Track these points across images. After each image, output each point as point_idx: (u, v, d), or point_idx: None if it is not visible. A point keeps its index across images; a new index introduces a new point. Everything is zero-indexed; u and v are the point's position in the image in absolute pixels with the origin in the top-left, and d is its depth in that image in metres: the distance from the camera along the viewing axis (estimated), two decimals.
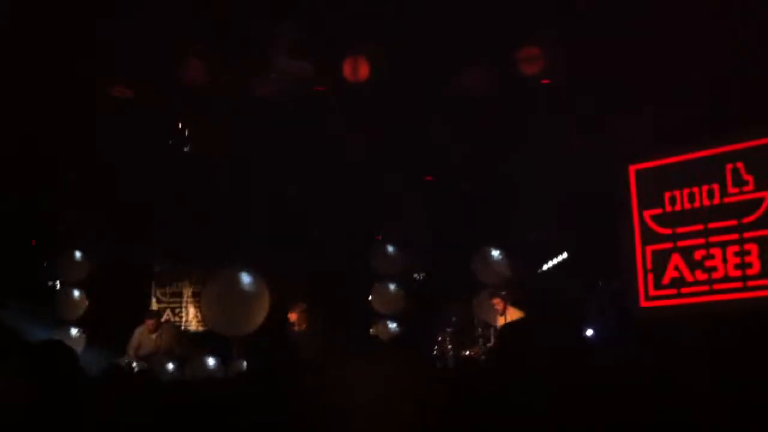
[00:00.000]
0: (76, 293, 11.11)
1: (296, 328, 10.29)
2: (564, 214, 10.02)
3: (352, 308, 11.29)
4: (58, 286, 11.48)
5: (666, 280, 8.35)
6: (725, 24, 7.79)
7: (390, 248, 11.55)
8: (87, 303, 11.06)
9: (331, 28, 9.38)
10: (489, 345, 9.26)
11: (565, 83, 9.24)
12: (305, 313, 10.30)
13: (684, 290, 8.22)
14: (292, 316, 10.31)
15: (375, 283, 11.45)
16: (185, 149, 11.03)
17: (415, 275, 12.36)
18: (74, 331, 10.78)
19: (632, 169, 8.78)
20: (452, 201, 11.30)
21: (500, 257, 11.13)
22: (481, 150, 10.36)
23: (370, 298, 11.40)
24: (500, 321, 9.50)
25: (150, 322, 10.49)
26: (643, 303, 8.51)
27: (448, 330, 9.84)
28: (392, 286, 11.39)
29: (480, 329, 9.75)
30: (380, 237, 11.64)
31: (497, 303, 9.71)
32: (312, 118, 10.29)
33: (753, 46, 7.60)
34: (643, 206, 8.63)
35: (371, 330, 10.95)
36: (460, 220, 11.18)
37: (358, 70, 9.81)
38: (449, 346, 9.72)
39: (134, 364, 9.42)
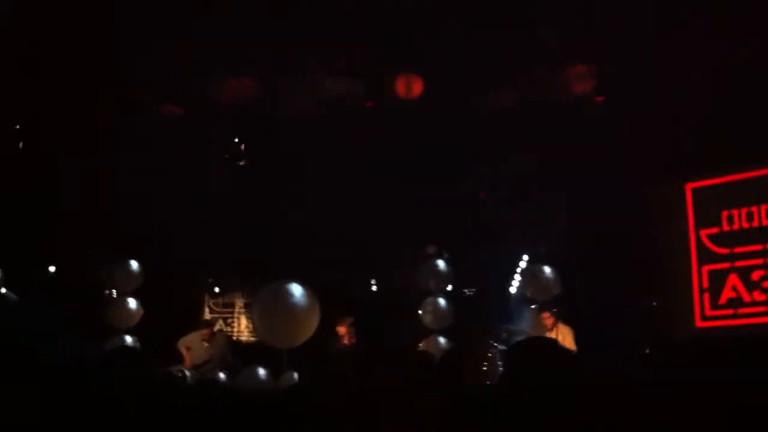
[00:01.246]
0: (132, 302, 11.28)
1: (345, 341, 10.34)
2: (618, 234, 9.92)
3: (401, 323, 11.29)
4: (114, 295, 11.67)
5: (722, 300, 8.21)
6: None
7: (440, 263, 11.52)
8: (142, 312, 11.24)
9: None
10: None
11: (622, 101, 9.19)
12: (353, 327, 10.34)
13: (741, 311, 8.06)
14: (341, 330, 10.36)
15: (425, 298, 11.43)
16: (241, 163, 11.19)
17: (466, 291, 12.31)
18: (128, 340, 10.95)
19: (689, 187, 8.66)
20: (502, 217, 11.27)
21: (550, 274, 11.04)
22: (533, 169, 10.34)
23: (420, 313, 11.37)
24: (554, 335, 9.45)
25: (205, 332, 10.64)
26: (699, 323, 8.37)
27: (498, 347, 9.76)
28: (442, 302, 11.35)
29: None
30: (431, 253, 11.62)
31: (546, 318, 9.65)
32: (363, 132, 10.38)
33: None
34: (699, 225, 8.50)
35: (420, 345, 10.91)
36: (509, 237, 11.16)
37: (411, 86, 9.88)
38: (499, 362, 9.64)
39: (187, 372, 9.55)
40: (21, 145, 10.54)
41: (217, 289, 12.56)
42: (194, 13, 8.78)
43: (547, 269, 11.03)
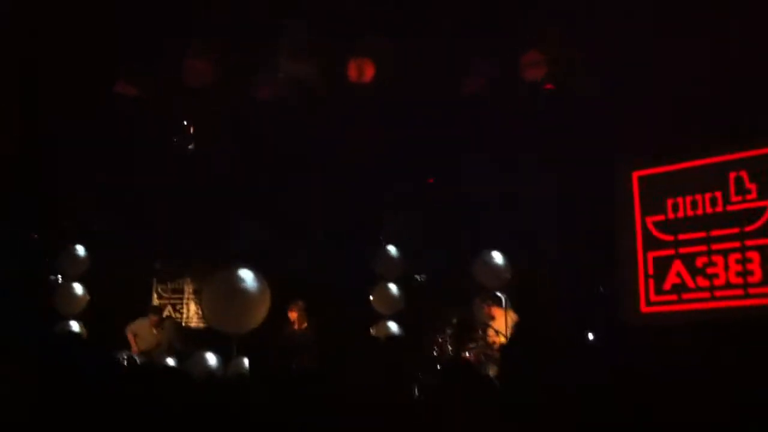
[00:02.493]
0: (78, 288, 11.11)
1: (296, 327, 10.31)
2: (563, 218, 10.04)
3: (353, 308, 11.30)
4: (60, 281, 11.48)
5: (667, 286, 8.37)
6: (731, 30, 7.81)
7: (391, 249, 11.56)
8: (88, 298, 11.07)
9: (333, 28, 9.41)
10: (490, 345, 9.30)
11: (571, 88, 9.27)
12: (305, 312, 10.31)
13: (685, 296, 8.24)
14: (292, 315, 10.32)
15: (376, 283, 11.46)
16: (189, 147, 11.06)
17: (416, 276, 12.36)
18: (75, 326, 10.79)
19: (636, 175, 8.80)
20: (453, 202, 11.33)
21: (501, 260, 11.15)
22: (483, 151, 10.38)
23: (371, 298, 11.40)
24: (498, 323, 9.57)
25: (154, 318, 10.53)
26: (644, 308, 8.53)
27: (448, 332, 9.84)
28: (393, 287, 11.39)
29: (480, 331, 9.75)
30: (382, 238, 11.65)
31: (487, 309, 9.83)
32: (315, 117, 10.32)
33: (760, 54, 7.62)
34: (645, 212, 8.65)
35: (371, 330, 10.95)
36: (461, 222, 11.22)
37: (363, 71, 9.84)
38: (449, 348, 9.73)
39: (135, 357, 9.46)
40: None
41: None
42: None
43: (497, 255, 11.15)
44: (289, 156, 10.86)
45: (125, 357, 9.34)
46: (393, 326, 11.10)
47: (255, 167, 10.99)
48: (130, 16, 8.63)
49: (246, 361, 9.61)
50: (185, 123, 11.02)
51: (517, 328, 9.25)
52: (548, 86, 9.74)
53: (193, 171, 11.15)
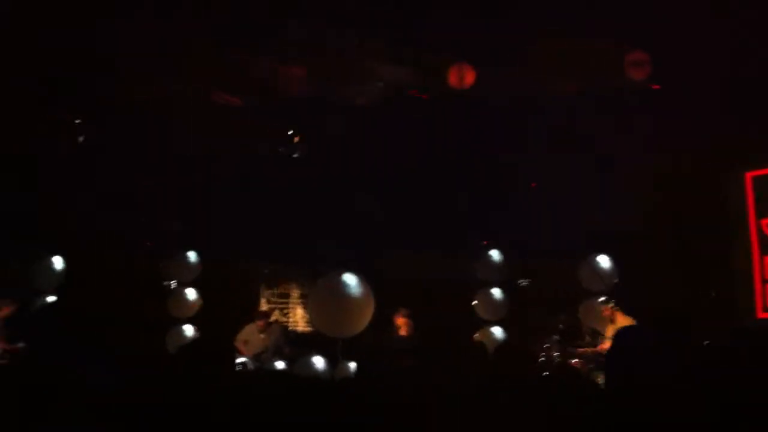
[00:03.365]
0: (191, 293, 11.52)
1: (401, 332, 10.39)
2: (671, 222, 9.77)
3: (457, 314, 11.29)
4: (173, 286, 11.93)
5: None
6: None
7: (494, 254, 11.50)
8: (201, 302, 11.47)
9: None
10: (600, 352, 9.10)
11: (680, 87, 9.03)
12: (410, 318, 10.39)
13: None
14: (399, 321, 10.41)
15: (480, 289, 11.43)
16: (295, 156, 11.30)
17: (520, 282, 12.26)
18: (188, 329, 11.19)
19: (749, 176, 8.49)
20: (557, 206, 11.18)
21: (607, 265, 10.95)
22: (585, 152, 10.21)
23: (475, 303, 11.38)
24: (609, 329, 9.34)
25: (260, 322, 10.81)
26: (761, 314, 8.21)
27: (555, 337, 9.72)
28: (497, 293, 11.34)
29: (588, 337, 9.59)
30: (487, 243, 11.61)
31: (606, 311, 9.57)
32: (409, 121, 10.38)
33: None
34: (760, 214, 8.33)
35: (476, 336, 10.92)
36: (565, 227, 11.05)
37: (464, 77, 9.84)
38: (555, 353, 9.61)
39: (248, 362, 9.73)
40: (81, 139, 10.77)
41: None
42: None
43: (603, 259, 10.94)
44: (394, 160, 10.94)
45: (239, 362, 9.63)
46: (497, 332, 11.05)
47: (361, 173, 11.13)
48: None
49: (353, 365, 9.74)
50: (291, 132, 11.27)
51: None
52: (655, 87, 9.52)
53: (298, 178, 11.39)
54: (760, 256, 8.27)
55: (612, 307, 9.55)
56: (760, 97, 8.22)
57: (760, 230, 8.31)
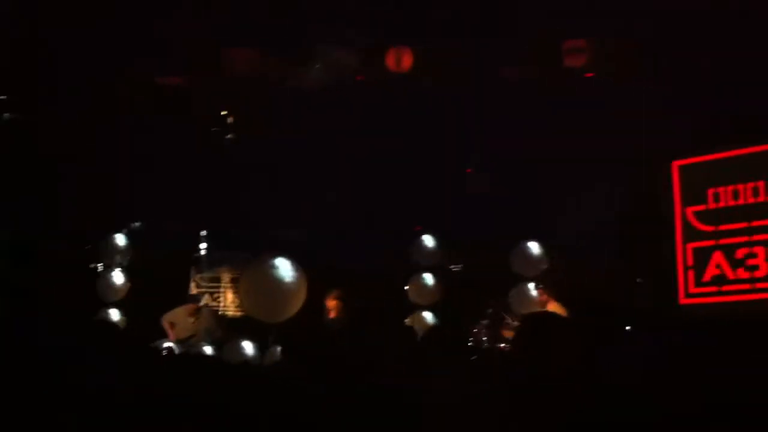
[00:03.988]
0: (118, 276, 11.29)
1: (333, 315, 10.34)
2: (603, 210, 9.93)
3: (389, 299, 11.31)
4: (100, 269, 11.67)
5: (707, 278, 8.25)
6: None
7: (428, 240, 11.54)
8: (129, 286, 11.25)
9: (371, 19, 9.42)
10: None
11: (610, 78, 9.17)
12: (342, 301, 10.35)
13: (725, 288, 8.11)
14: (330, 304, 10.36)
15: (412, 274, 11.47)
16: (228, 137, 11.14)
17: (453, 267, 12.34)
18: (115, 313, 10.97)
19: (676, 164, 8.67)
20: (491, 193, 11.28)
21: (538, 251, 11.10)
22: (519, 142, 10.31)
23: (407, 288, 11.41)
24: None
25: (189, 306, 10.65)
26: (683, 300, 8.42)
27: (483, 322, 9.82)
28: (429, 278, 11.39)
29: (517, 322, 9.69)
30: (419, 228, 11.64)
31: (540, 294, 9.69)
32: (349, 108, 10.33)
33: None
34: (686, 203, 8.52)
35: (407, 320, 10.96)
36: (499, 213, 11.15)
37: (401, 60, 9.81)
38: (484, 338, 9.71)
39: (174, 346, 9.57)
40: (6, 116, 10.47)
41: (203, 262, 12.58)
42: None
43: (534, 245, 11.08)
44: (325, 146, 10.88)
45: (163, 346, 9.47)
46: (428, 316, 11.11)
47: (292, 158, 11.03)
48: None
49: (280, 350, 9.68)
50: (224, 113, 11.10)
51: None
52: (588, 75, 9.65)
53: (232, 161, 11.24)
54: (683, 244, 8.47)
55: (544, 292, 9.69)
56: (687, 87, 8.41)
57: (684, 218, 8.51)
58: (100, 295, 11.10)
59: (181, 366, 5.23)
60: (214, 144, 11.29)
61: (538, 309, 9.56)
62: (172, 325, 10.44)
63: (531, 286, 10.44)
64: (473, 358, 8.62)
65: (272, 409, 4.28)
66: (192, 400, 4.20)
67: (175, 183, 11.08)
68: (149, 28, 8.98)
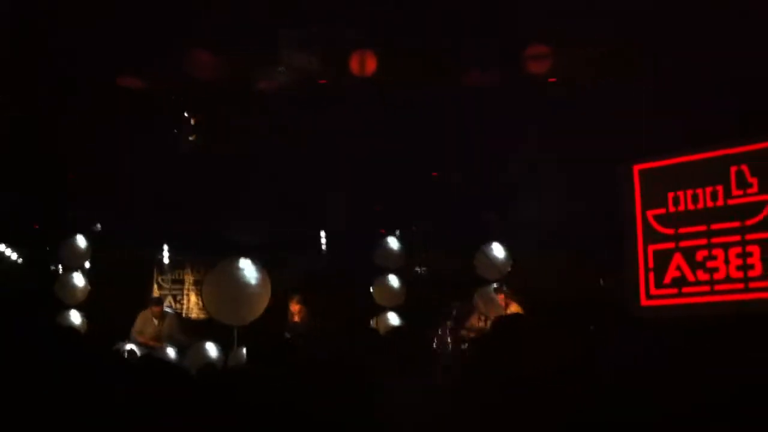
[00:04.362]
0: (79, 278, 11.14)
1: (296, 318, 10.33)
2: (565, 213, 10.04)
3: (354, 301, 11.33)
4: (61, 271, 11.52)
5: (667, 280, 8.37)
6: (732, 24, 7.79)
7: (392, 242, 11.58)
8: (89, 288, 11.11)
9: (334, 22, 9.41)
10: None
11: (571, 82, 9.26)
12: (305, 305, 10.34)
13: (685, 290, 8.23)
14: (294, 307, 10.35)
15: (377, 276, 11.49)
16: (190, 139, 11.06)
17: (417, 269, 12.39)
18: (76, 315, 10.83)
19: (636, 168, 8.79)
20: (455, 196, 11.34)
21: (502, 253, 11.19)
22: (483, 146, 10.37)
23: (371, 290, 11.43)
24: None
25: (156, 309, 10.56)
26: (644, 302, 8.53)
27: (448, 323, 9.87)
28: (394, 280, 11.42)
29: (481, 323, 9.77)
30: (384, 231, 11.67)
31: (501, 299, 9.80)
32: (315, 110, 10.31)
33: (760, 48, 7.61)
34: (646, 206, 8.63)
35: (371, 322, 10.98)
36: (463, 215, 11.22)
37: (365, 64, 9.82)
38: (448, 340, 9.76)
39: (135, 349, 9.48)
40: None
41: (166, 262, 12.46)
42: None
43: (497, 248, 11.17)
44: (291, 148, 10.85)
45: (126, 349, 9.37)
46: (393, 318, 11.13)
47: (256, 159, 10.98)
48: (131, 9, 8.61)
49: (245, 352, 9.63)
50: (186, 114, 11.01)
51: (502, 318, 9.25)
52: (551, 80, 9.74)
53: (195, 162, 11.16)
54: (644, 246, 8.59)
55: (506, 294, 9.79)
56: (651, 92, 8.52)
57: (645, 220, 8.63)
58: (60, 297, 10.94)
59: (144, 369, 5.18)
60: (176, 145, 11.19)
61: (501, 312, 9.65)
62: (140, 333, 10.35)
63: (493, 287, 10.51)
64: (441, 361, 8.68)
65: (236, 412, 4.26)
66: (154, 406, 4.17)
67: (135, 184, 10.97)
68: (111, 31, 8.88)
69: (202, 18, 9.00)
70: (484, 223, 11.26)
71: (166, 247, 12.46)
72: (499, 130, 10.02)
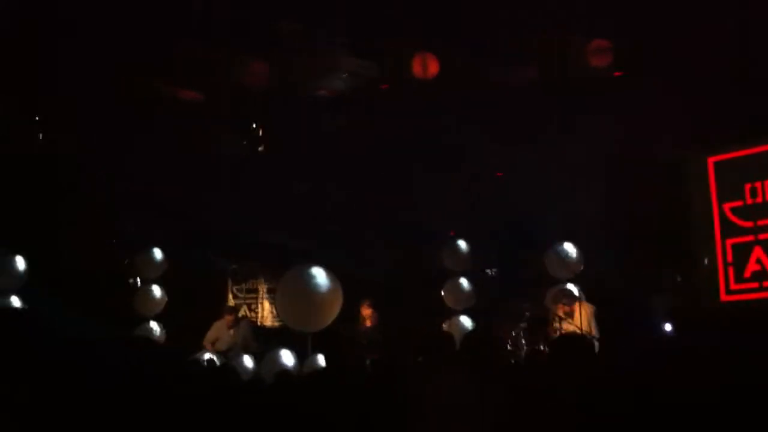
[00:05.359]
0: (156, 290, 11.40)
1: (368, 323, 10.37)
2: (632, 208, 9.85)
3: (425, 304, 11.31)
4: (139, 284, 11.79)
5: (748, 274, 8.14)
6: None
7: (461, 244, 11.52)
8: (166, 300, 11.35)
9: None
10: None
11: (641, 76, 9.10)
12: (375, 309, 10.37)
13: (766, 284, 8.00)
14: (365, 312, 10.39)
15: (447, 279, 11.44)
16: (259, 149, 11.22)
17: (488, 271, 12.30)
18: (155, 327, 11.07)
19: (711, 160, 8.57)
20: (520, 196, 11.22)
21: (573, 252, 11.02)
22: (546, 142, 10.25)
23: (442, 293, 11.39)
24: (575, 317, 9.37)
25: (229, 318, 10.73)
26: (724, 297, 8.31)
27: (522, 325, 9.76)
28: (464, 282, 11.36)
29: (556, 324, 9.62)
30: (453, 233, 11.62)
31: (561, 308, 9.52)
32: (379, 113, 10.35)
33: None
34: (722, 199, 8.41)
35: (444, 326, 10.94)
36: (533, 216, 11.09)
37: (427, 67, 9.83)
38: (523, 341, 9.65)
39: (215, 358, 9.64)
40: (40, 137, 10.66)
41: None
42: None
43: (569, 247, 11.00)
44: (351, 154, 10.90)
45: (205, 359, 9.53)
46: (466, 321, 11.07)
47: (320, 168, 11.07)
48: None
49: (321, 359, 9.70)
50: (254, 126, 11.19)
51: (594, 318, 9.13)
52: (617, 74, 9.59)
53: (262, 175, 11.31)
54: (722, 240, 8.37)
55: (562, 304, 9.48)
56: (721, 82, 8.32)
57: (722, 214, 8.41)
58: (139, 309, 11.21)
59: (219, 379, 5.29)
60: (240, 154, 11.35)
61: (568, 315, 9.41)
62: (215, 341, 10.53)
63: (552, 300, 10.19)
64: (513, 361, 8.60)
65: (310, 417, 4.31)
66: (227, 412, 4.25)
67: (206, 197, 11.17)
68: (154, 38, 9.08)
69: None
70: (553, 222, 11.09)
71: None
72: (555, 125, 9.90)
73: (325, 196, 11.35)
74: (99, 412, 3.22)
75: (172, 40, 9.33)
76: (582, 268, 10.76)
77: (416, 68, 9.95)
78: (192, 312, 11.11)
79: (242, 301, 12.66)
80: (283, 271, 11.10)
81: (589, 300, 9.73)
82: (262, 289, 12.79)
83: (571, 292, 9.82)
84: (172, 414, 3.56)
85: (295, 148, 11.07)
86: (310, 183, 11.27)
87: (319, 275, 10.27)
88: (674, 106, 8.69)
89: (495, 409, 3.45)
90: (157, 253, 11.55)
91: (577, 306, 9.51)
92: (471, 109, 10.10)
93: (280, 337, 11.22)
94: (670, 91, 8.72)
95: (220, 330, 10.65)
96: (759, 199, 8.13)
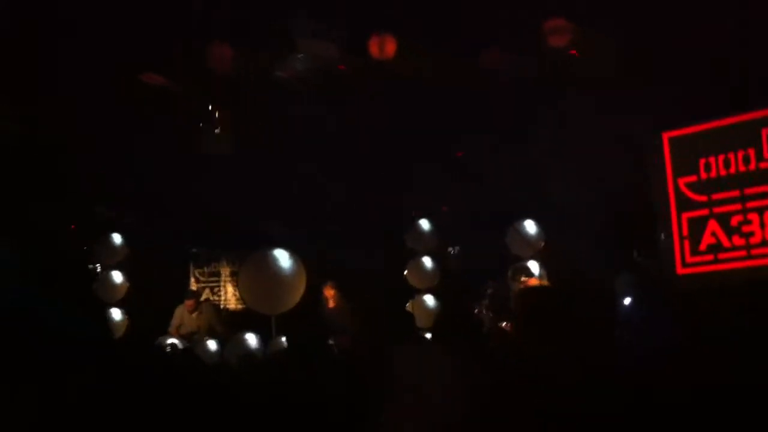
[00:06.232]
0: (117, 276, 11.31)
1: (331, 304, 10.40)
2: (595, 186, 9.96)
3: (388, 284, 11.36)
4: (99, 270, 11.69)
5: (703, 247, 8.30)
6: None
7: (424, 224, 11.58)
8: (128, 285, 11.27)
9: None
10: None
11: (597, 54, 9.16)
12: (339, 290, 10.40)
13: (721, 256, 8.16)
14: (329, 293, 10.42)
15: (410, 258, 11.51)
16: (216, 131, 11.11)
17: (450, 249, 12.39)
18: (117, 313, 11.00)
19: (666, 136, 8.70)
20: (484, 174, 11.28)
21: (534, 229, 11.14)
22: (510, 121, 10.31)
23: (405, 273, 11.46)
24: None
25: (190, 302, 10.69)
26: (680, 270, 8.47)
27: (485, 302, 9.87)
28: (427, 262, 11.44)
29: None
30: (415, 214, 11.67)
31: (524, 282, 9.68)
32: (339, 96, 10.31)
33: None
34: (677, 174, 8.55)
35: (407, 305, 11.02)
36: (493, 193, 11.17)
37: (384, 47, 9.79)
38: (487, 319, 9.76)
39: (177, 342, 9.62)
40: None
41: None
42: None
43: (529, 224, 11.13)
44: (314, 136, 10.86)
45: (167, 344, 9.51)
46: (429, 300, 11.17)
47: (283, 150, 11.02)
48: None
49: (284, 341, 9.73)
50: (210, 108, 11.08)
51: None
52: (572, 52, 9.64)
53: (225, 156, 11.22)
54: (677, 214, 8.52)
55: (521, 280, 9.65)
56: (676, 60, 8.41)
57: (677, 189, 8.55)
58: (100, 295, 11.12)
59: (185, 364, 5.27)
60: (202, 140, 11.24)
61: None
62: (179, 327, 10.50)
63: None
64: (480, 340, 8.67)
65: (275, 400, 4.32)
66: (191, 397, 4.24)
67: (164, 181, 11.06)
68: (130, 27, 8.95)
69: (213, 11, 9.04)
70: (515, 201, 11.19)
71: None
72: (517, 102, 9.95)
73: (289, 182, 11.29)
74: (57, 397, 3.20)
75: (172, 40, 9.23)
76: (542, 245, 10.89)
77: (373, 49, 9.91)
78: (154, 298, 11.04)
79: (205, 285, 12.61)
80: (245, 253, 11.09)
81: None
82: (225, 272, 12.75)
83: (527, 267, 9.98)
84: (134, 401, 3.54)
85: (259, 133, 10.99)
86: (271, 166, 11.20)
87: (282, 257, 10.28)
88: (633, 81, 8.78)
89: (473, 390, 3.47)
90: (117, 238, 11.45)
91: (537, 282, 9.63)
92: (445, 93, 10.10)
93: (244, 320, 11.21)
94: (629, 67, 8.81)
95: (183, 315, 10.62)
96: (713, 174, 8.28)
